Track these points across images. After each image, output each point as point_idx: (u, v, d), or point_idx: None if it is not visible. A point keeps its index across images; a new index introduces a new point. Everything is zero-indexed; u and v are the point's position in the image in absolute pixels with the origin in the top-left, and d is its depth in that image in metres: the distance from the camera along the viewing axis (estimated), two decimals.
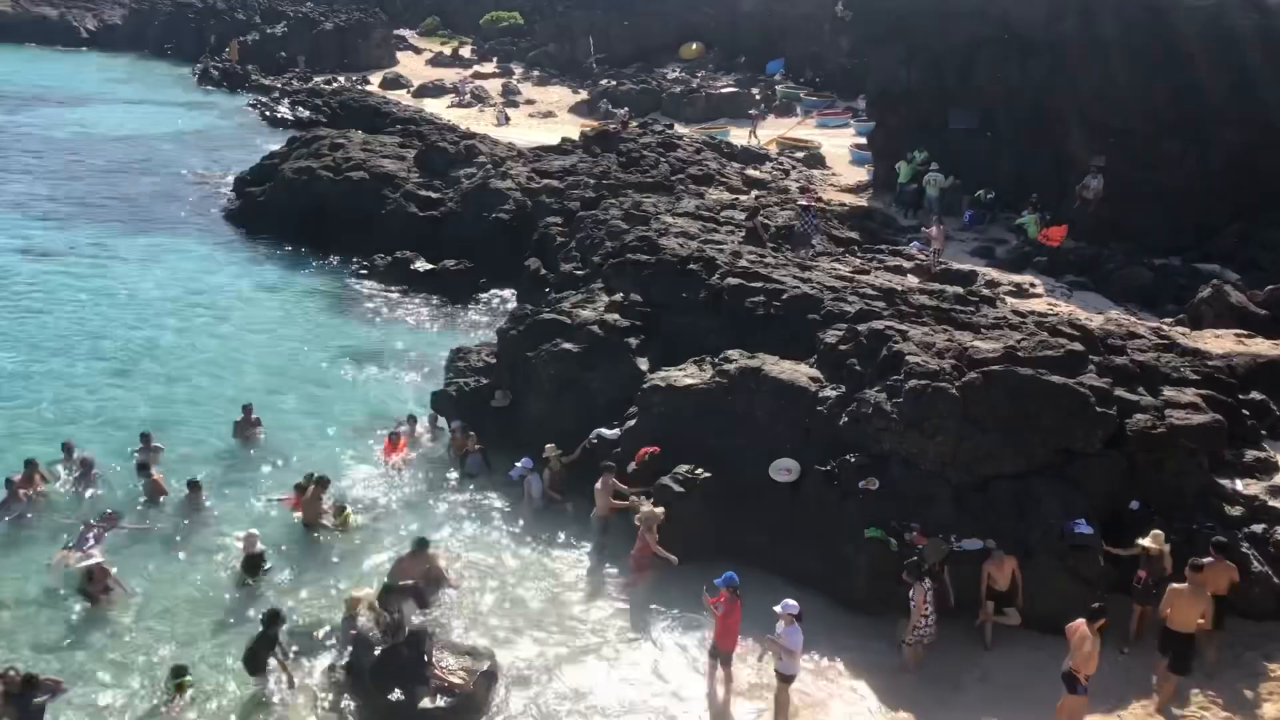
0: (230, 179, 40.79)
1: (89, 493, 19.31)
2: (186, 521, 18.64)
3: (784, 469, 17.46)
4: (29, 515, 18.34)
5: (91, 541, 17.10)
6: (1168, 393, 17.47)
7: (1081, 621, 13.39)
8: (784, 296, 20.76)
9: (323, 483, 18.70)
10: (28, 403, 22.77)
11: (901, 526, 16.14)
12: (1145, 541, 15.26)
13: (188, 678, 14.27)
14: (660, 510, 16.70)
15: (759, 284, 21.23)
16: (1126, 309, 25.02)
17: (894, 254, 28.66)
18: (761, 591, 16.05)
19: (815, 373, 18.69)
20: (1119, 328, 20.33)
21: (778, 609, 13.92)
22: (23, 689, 13.04)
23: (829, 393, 18.04)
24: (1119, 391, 17.07)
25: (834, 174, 40.96)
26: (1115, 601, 14.84)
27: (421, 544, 16.55)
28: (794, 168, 40.98)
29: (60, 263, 32.14)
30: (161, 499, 19.14)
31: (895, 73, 36.42)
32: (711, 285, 21.51)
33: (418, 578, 16.11)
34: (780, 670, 13.98)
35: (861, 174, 39.96)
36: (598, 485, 17.99)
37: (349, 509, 18.74)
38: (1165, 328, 21.62)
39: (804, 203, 28.77)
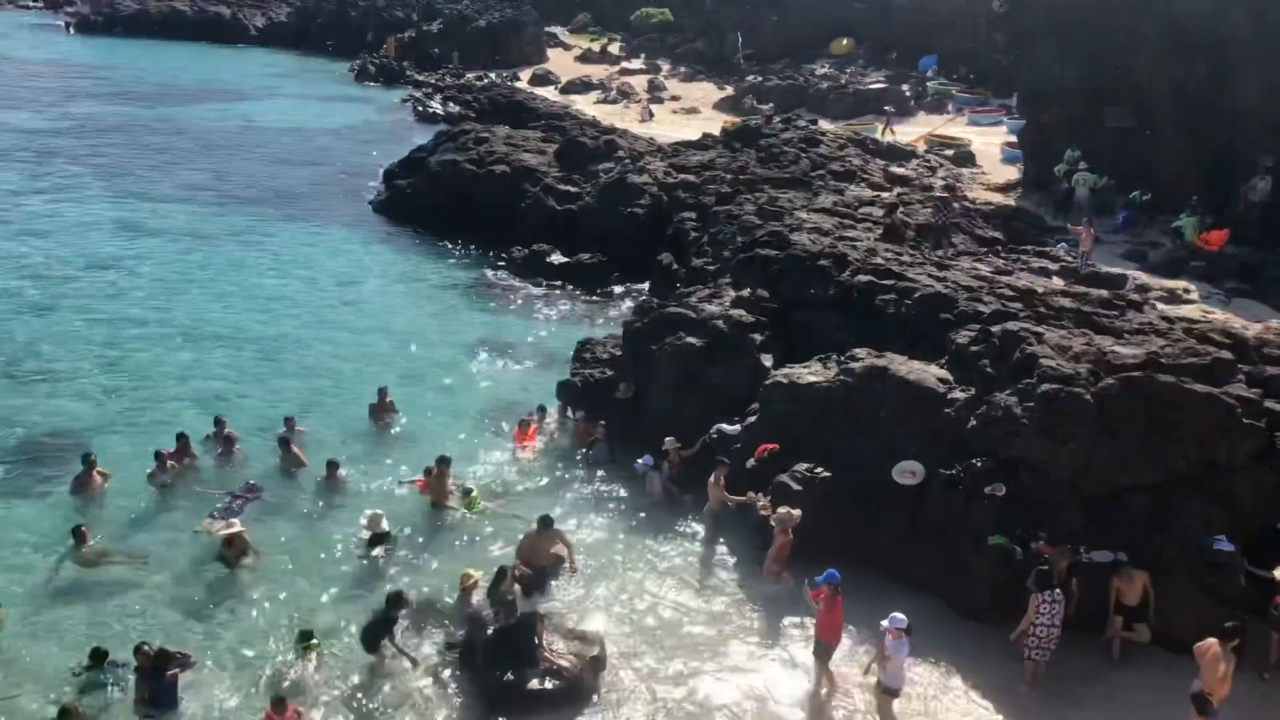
0: (381, 171, 42.11)
1: (234, 466, 20.23)
2: (322, 501, 19.32)
3: (908, 471, 17.04)
4: (177, 484, 19.29)
5: (235, 510, 18.08)
6: None
7: (1214, 641, 12.68)
8: (916, 295, 20.27)
9: (445, 462, 19.09)
10: (181, 380, 23.99)
11: (1027, 535, 15.54)
12: (1279, 573, 14.29)
13: (314, 641, 14.81)
14: (798, 513, 16.42)
15: (891, 281, 20.80)
16: None
17: (1039, 255, 27.66)
18: (879, 596, 15.86)
19: (944, 374, 18.18)
20: (1278, 336, 19.11)
21: (884, 623, 13.64)
22: (155, 664, 13.68)
23: (958, 395, 17.52)
24: (1270, 403, 16.06)
25: (983, 172, 39.77)
26: (1257, 624, 13.98)
27: (546, 522, 16.76)
28: (941, 165, 39.94)
29: (217, 248, 33.79)
30: (299, 472, 19.96)
31: (1050, 69, 35.13)
32: (842, 282, 21.16)
33: (542, 555, 16.32)
34: (886, 684, 13.69)
35: (1012, 173, 38.70)
36: (710, 479, 18.01)
37: (475, 491, 19.12)
38: None
39: (943, 196, 28.04)
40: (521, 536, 17.00)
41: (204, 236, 34.70)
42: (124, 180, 40.88)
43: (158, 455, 19.40)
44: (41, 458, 20.07)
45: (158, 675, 13.64)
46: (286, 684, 14.25)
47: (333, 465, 19.70)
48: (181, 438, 20.03)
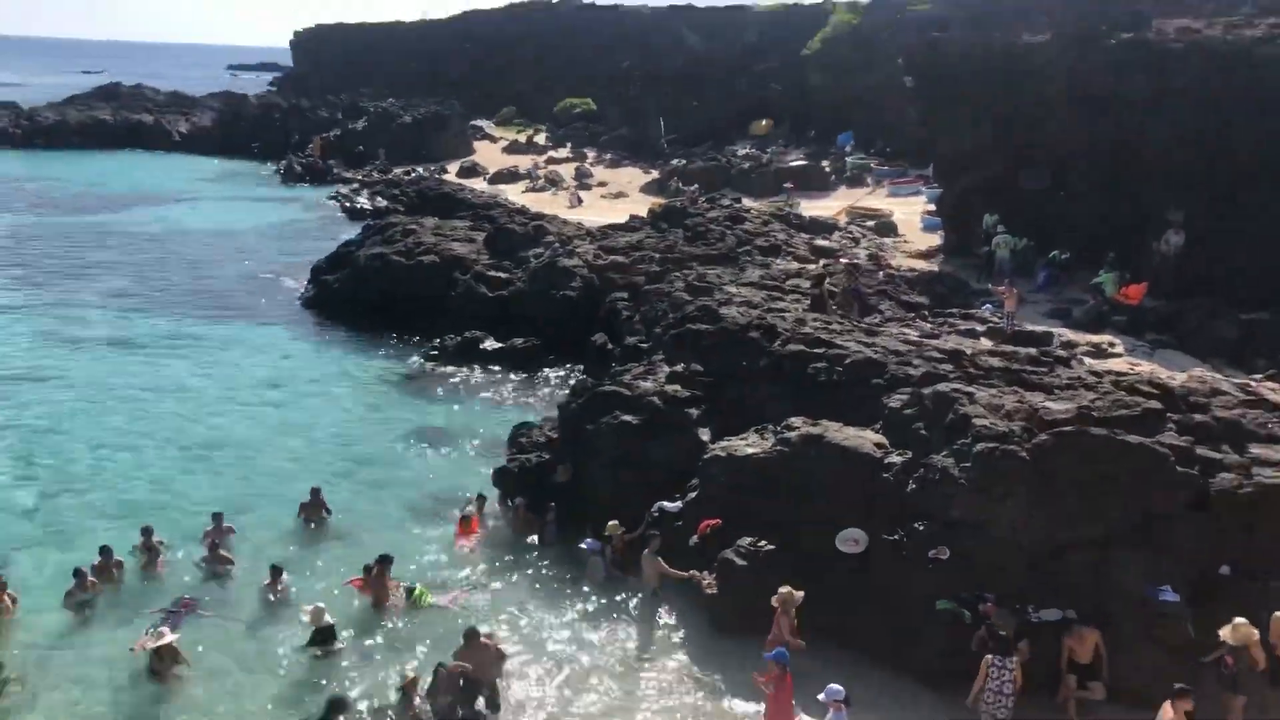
0: (309, 268, 41.75)
1: (160, 579, 19.43)
2: (260, 606, 18.64)
3: (851, 539, 16.91)
4: (97, 603, 18.42)
5: (173, 624, 17.33)
6: (1255, 450, 16.55)
7: (1167, 704, 12.55)
8: (847, 361, 20.37)
9: (386, 561, 18.57)
10: (102, 489, 23.16)
11: (974, 598, 15.42)
12: (1224, 633, 14.22)
13: None
14: (800, 594, 15.71)
15: (821, 349, 20.89)
16: (1212, 366, 23.96)
17: (965, 317, 28.03)
18: (830, 667, 15.57)
19: (880, 439, 18.19)
20: (1202, 384, 19.41)
21: (821, 696, 13.42)
22: None
23: (894, 459, 17.51)
24: (1202, 450, 16.23)
25: (905, 240, 40.46)
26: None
27: (472, 634, 16.03)
28: (864, 235, 40.60)
29: (141, 351, 33.04)
30: (229, 572, 19.42)
31: (963, 135, 36.07)
32: (773, 352, 21.19)
33: (478, 666, 15.71)
34: None
35: (933, 239, 39.44)
36: (644, 553, 17.95)
37: (419, 588, 18.55)
38: (1253, 384, 20.63)
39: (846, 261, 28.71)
40: (454, 652, 16.03)
41: (126, 343, 33.88)
42: (43, 290, 40.03)
43: (77, 572, 18.47)
44: None
45: None
46: None
47: (276, 570, 19.03)
48: (105, 551, 19.18)
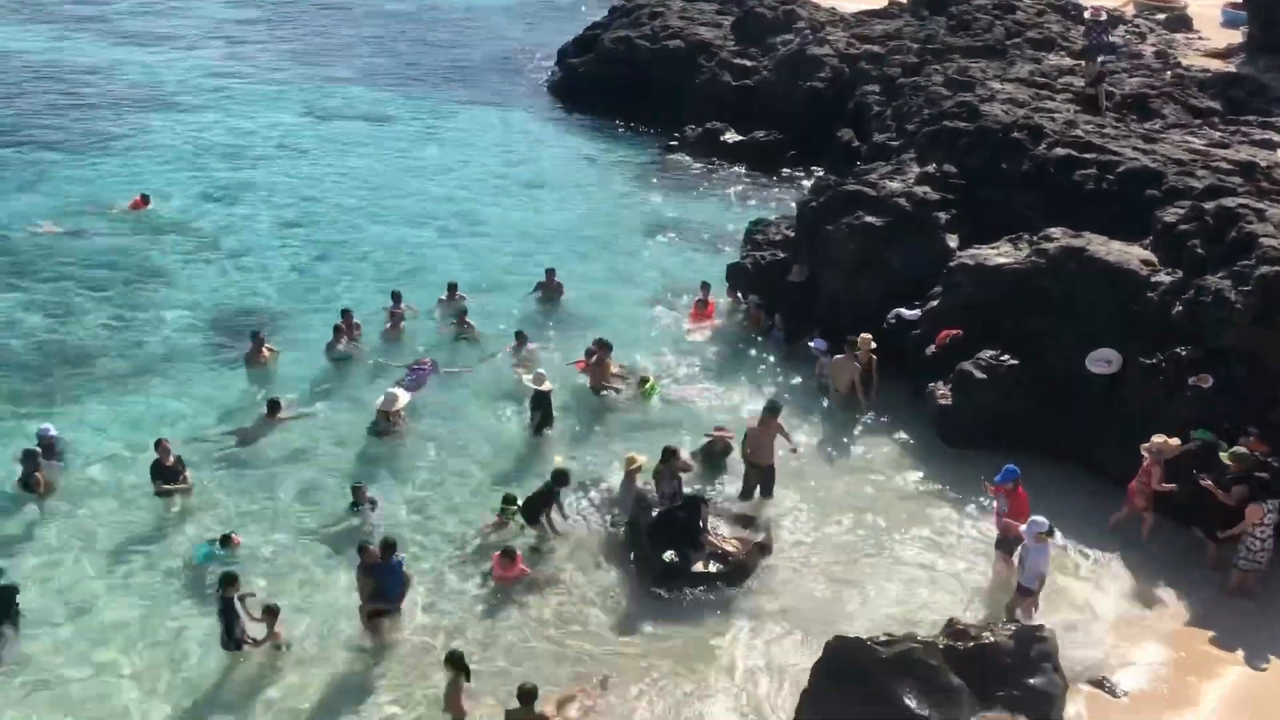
0: (555, 51, 41.57)
1: (401, 341, 20.57)
2: (496, 369, 19.52)
3: (1103, 360, 15.90)
4: (351, 357, 19.78)
5: (418, 382, 18.53)
6: None
7: None
8: (1119, 169, 18.64)
9: (605, 346, 18.79)
10: (355, 257, 24.59)
11: (1236, 430, 14.20)
12: None
13: (514, 506, 15.02)
14: (1175, 441, 14.35)
15: (1092, 155, 19.13)
16: None
17: (1264, 126, 24.94)
18: (1067, 490, 15.13)
19: (1148, 255, 16.72)
20: None
21: (1022, 528, 12.85)
22: (384, 554, 13.14)
23: (1163, 278, 16.11)
24: None
25: (1200, 37, 36.17)
26: None
27: (774, 409, 15.79)
28: (1151, 30, 36.54)
29: (393, 128, 34.22)
30: (472, 335, 20.49)
31: None
32: (1037, 156, 19.59)
33: (766, 444, 15.59)
34: (1022, 583, 12.93)
35: (1234, 36, 35.03)
36: (839, 357, 17.82)
37: (651, 380, 18.83)
38: None
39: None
40: (748, 428, 15.97)
41: (382, 118, 35.15)
42: (308, 64, 41.65)
43: (336, 329, 19.87)
44: (231, 330, 20.88)
45: (385, 565, 13.10)
46: (480, 542, 14.82)
47: (521, 336, 19.88)
48: (345, 314, 20.34)
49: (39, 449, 15.85)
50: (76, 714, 12.05)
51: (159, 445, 15.60)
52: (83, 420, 17.72)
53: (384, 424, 17.35)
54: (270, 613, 12.82)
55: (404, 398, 17.67)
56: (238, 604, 12.64)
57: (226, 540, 14.48)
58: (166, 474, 15.50)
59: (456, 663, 11.50)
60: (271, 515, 15.48)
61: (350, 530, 14.88)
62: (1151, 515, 14.36)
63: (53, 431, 16.29)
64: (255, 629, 12.77)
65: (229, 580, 12.65)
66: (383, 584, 12.93)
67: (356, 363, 19.73)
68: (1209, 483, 13.59)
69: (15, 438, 16.81)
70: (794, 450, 15.99)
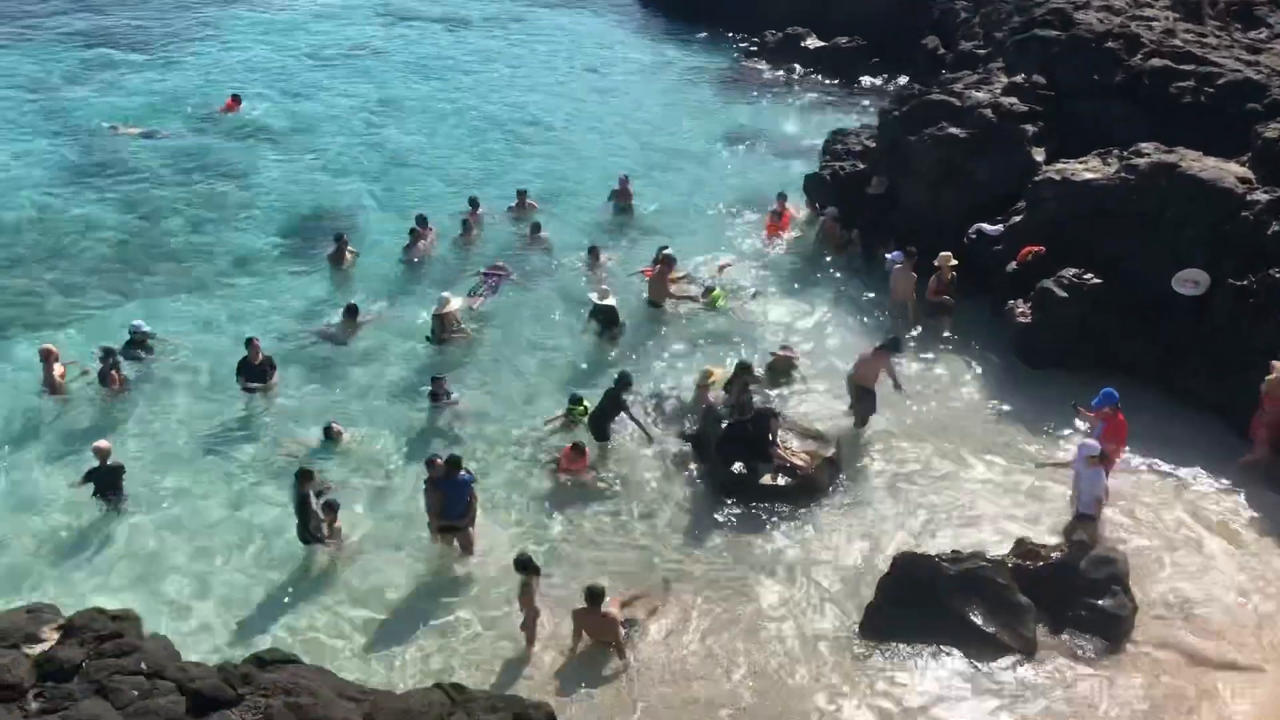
0: None
1: (478, 244, 20.70)
2: (569, 278, 19.59)
3: (1190, 280, 15.43)
4: (427, 260, 20.01)
5: (492, 288, 18.71)
6: None
7: None
8: (1220, 81, 17.82)
9: (668, 261, 18.58)
10: (430, 161, 24.66)
11: None
12: None
13: (582, 406, 15.24)
14: None
15: (1190, 66, 18.30)
16: None
17: None
18: (1149, 411, 14.78)
19: (1246, 172, 16.06)
20: None
21: (1073, 451, 12.66)
22: (447, 472, 13.02)
23: (1260, 196, 15.48)
24: None
25: None
26: None
27: (895, 345, 15.51)
28: None
29: (472, 32, 33.96)
30: (544, 245, 20.50)
31: None
32: (1132, 66, 18.80)
33: (871, 375, 15.21)
34: (1080, 509, 12.73)
35: None
36: (897, 267, 17.67)
37: (718, 289, 18.72)
38: None
39: None
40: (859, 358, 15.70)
41: (459, 21, 34.89)
42: None
43: (412, 232, 20.04)
44: (311, 233, 21.18)
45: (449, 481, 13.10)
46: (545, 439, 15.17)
47: (594, 251, 19.80)
48: (421, 220, 20.42)
49: (123, 344, 16.32)
50: (158, 593, 12.61)
51: (250, 344, 15.93)
52: (168, 316, 18.20)
53: (438, 328, 17.43)
54: (330, 508, 13.16)
55: (456, 302, 17.70)
56: (313, 500, 12.97)
57: (328, 431, 14.83)
58: (253, 372, 15.88)
59: (526, 565, 11.74)
60: (350, 413, 15.80)
61: (430, 426, 15.33)
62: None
63: (145, 327, 16.75)
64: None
65: (304, 476, 12.99)
66: (448, 500, 12.93)
67: (431, 266, 19.86)
68: None
69: (104, 331, 17.37)
70: (897, 388, 15.46)
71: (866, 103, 27.54)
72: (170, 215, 21.72)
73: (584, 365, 17.22)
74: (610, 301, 17.64)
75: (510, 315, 18.46)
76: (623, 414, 15.01)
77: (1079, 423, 14.64)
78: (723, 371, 16.00)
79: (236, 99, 26.75)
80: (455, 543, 13.16)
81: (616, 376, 15.21)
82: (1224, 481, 13.93)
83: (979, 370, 16.75)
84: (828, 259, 20.05)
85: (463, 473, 13.01)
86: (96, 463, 13.69)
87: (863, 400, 15.29)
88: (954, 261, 17.56)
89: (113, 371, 15.87)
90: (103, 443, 13.97)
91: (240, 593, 12.65)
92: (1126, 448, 13.82)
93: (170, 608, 12.32)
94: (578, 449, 14.31)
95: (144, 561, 13.10)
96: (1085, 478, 12.58)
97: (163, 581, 12.77)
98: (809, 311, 18.62)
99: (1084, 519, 12.68)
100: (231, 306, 18.70)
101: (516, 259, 20.04)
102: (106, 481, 13.72)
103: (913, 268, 17.75)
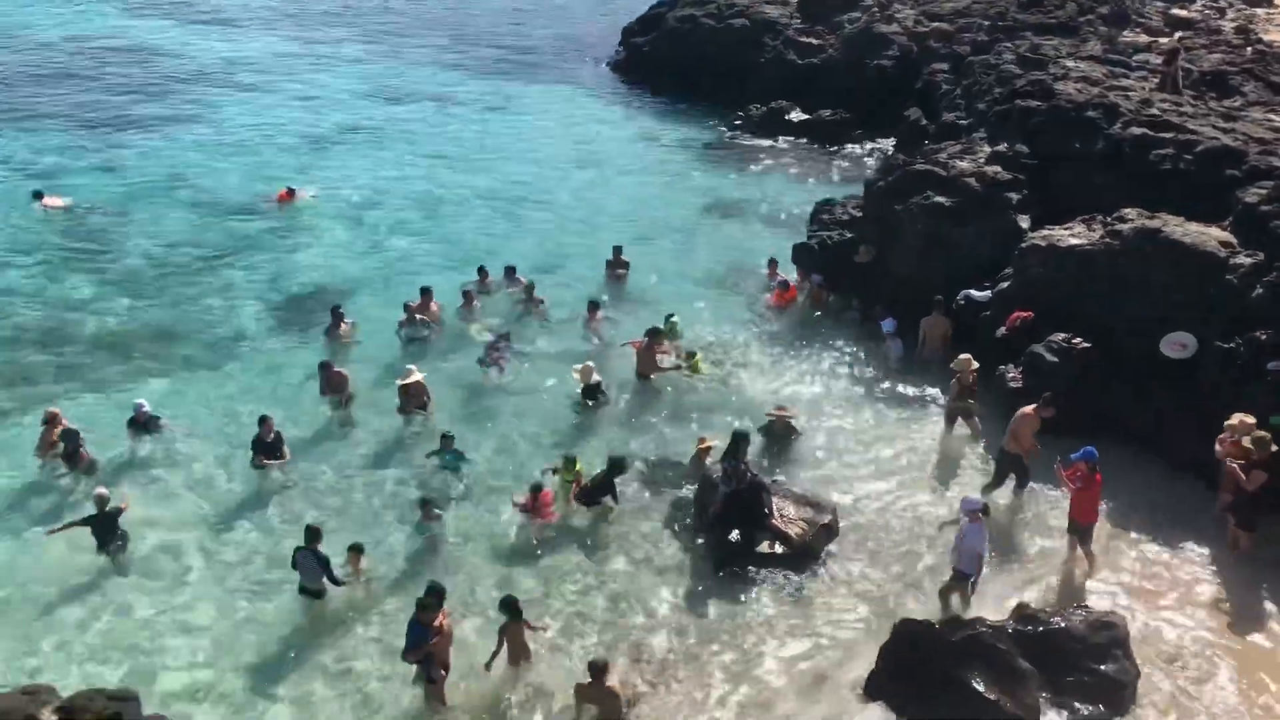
0: (618, 30, 41.53)
1: (477, 318, 20.69)
2: (575, 337, 19.88)
3: (1178, 343, 15.64)
4: (425, 334, 19.95)
5: (498, 363, 18.68)
6: None
7: None
8: (1198, 149, 18.22)
9: (654, 334, 18.62)
10: (427, 235, 24.90)
11: None
12: None
13: (580, 467, 15.31)
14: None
15: (1169, 134, 18.73)
16: None
17: None
18: (1139, 475, 15.01)
19: (1228, 236, 16.35)
20: None
21: (958, 506, 12.79)
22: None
23: (1243, 260, 15.74)
24: None
25: None
26: None
27: (1049, 401, 14.85)
28: (1231, 4, 35.54)
29: (458, 110, 34.50)
30: (541, 311, 20.69)
31: None
32: (1111, 135, 19.23)
33: (1025, 434, 14.80)
34: (957, 568, 12.75)
35: None
36: (927, 318, 18.21)
37: (699, 354, 18.83)
38: None
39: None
40: None
41: (446, 99, 35.46)
42: (375, 44, 42.19)
43: (406, 307, 20.08)
44: (308, 307, 21.31)
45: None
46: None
47: (594, 306, 20.13)
48: (425, 291, 20.54)
49: (75, 431, 16.02)
50: (158, 665, 12.49)
51: (263, 421, 15.94)
52: (166, 394, 18.10)
53: (404, 399, 17.32)
54: (355, 550, 13.47)
55: (418, 374, 17.43)
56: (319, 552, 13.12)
57: (424, 504, 14.72)
58: (266, 448, 15.90)
59: (511, 607, 11.90)
60: (362, 481, 15.90)
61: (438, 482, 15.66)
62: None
63: (146, 407, 16.72)
64: (341, 573, 13.26)
65: (313, 534, 13.18)
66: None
67: (429, 339, 19.90)
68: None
69: (104, 410, 17.38)
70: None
71: (852, 173, 27.99)
72: (164, 294, 21.73)
73: (581, 429, 17.30)
74: (596, 379, 17.77)
75: (506, 384, 18.51)
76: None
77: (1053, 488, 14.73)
78: (718, 441, 16.03)
79: (290, 191, 26.48)
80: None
81: (611, 461, 15.21)
82: (1205, 549, 13.99)
83: (972, 433, 16.81)
84: (819, 327, 20.26)
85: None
86: (94, 510, 13.71)
87: (1017, 465, 14.99)
88: (975, 365, 16.33)
89: (80, 450, 15.82)
90: (102, 490, 13.97)
91: (242, 663, 12.50)
92: (1104, 505, 13.89)
93: (169, 679, 12.15)
94: (536, 489, 14.56)
95: (139, 631, 12.92)
96: (968, 533, 12.53)
97: (164, 655, 12.57)
98: (800, 375, 18.78)
99: (961, 577, 12.68)
100: (229, 382, 18.64)
101: (514, 328, 20.12)
102: (106, 528, 13.73)
103: (944, 312, 18.06)
